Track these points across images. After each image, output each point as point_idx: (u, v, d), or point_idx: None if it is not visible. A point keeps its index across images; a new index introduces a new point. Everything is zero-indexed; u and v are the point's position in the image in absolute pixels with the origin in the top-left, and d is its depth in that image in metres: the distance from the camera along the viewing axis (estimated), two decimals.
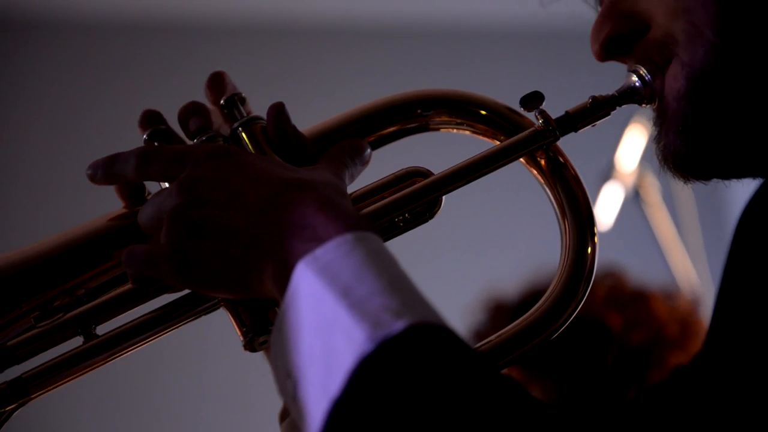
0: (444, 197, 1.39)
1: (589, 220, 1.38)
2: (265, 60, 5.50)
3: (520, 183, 2.29)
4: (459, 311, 2.46)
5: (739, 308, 1.05)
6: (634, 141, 3.62)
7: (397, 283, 1.14)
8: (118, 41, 5.41)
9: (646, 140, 3.60)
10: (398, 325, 1.09)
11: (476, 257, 5.40)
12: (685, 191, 3.68)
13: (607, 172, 3.62)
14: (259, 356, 1.39)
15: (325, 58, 5.56)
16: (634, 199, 3.68)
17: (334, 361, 1.10)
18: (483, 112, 1.43)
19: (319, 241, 1.17)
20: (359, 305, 1.11)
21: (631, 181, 3.66)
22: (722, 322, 1.07)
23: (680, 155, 1.33)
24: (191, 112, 1.37)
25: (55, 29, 5.42)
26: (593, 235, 1.38)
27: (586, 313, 2.63)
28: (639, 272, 2.77)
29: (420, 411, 1.04)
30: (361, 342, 1.09)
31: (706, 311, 2.59)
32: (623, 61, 1.39)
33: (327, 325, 1.13)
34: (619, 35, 1.36)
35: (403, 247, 1.40)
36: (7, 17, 5.34)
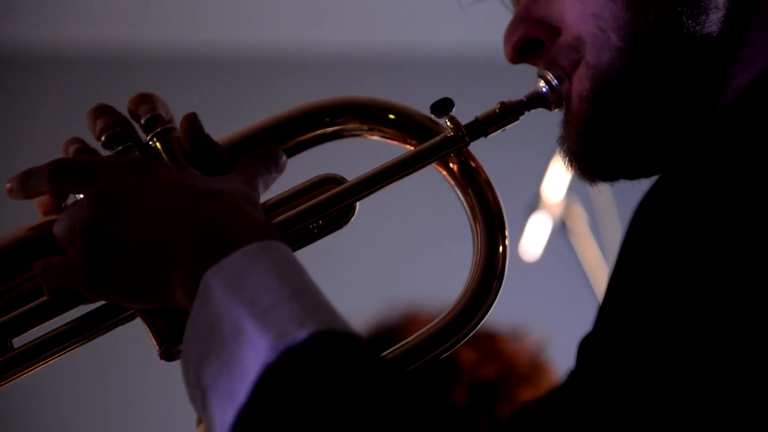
0: (358, 204, 1.41)
1: (499, 221, 1.41)
2: (238, 91, 5.56)
3: (436, 193, 2.30)
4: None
5: (624, 308, 1.08)
6: (560, 171, 3.65)
7: (302, 292, 1.17)
8: (96, 77, 5.46)
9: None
10: (302, 333, 1.12)
11: (390, 268, 5.43)
12: (612, 221, 3.73)
13: (534, 202, 3.65)
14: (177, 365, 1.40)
15: (281, 89, 5.61)
16: (561, 229, 3.70)
17: (240, 370, 1.13)
18: (391, 116, 1.45)
19: (226, 250, 1.20)
20: (264, 315, 1.14)
21: (558, 211, 3.68)
22: (606, 322, 1.10)
23: (582, 156, 1.36)
24: (97, 113, 1.39)
25: (37, 65, 5.49)
26: (504, 236, 1.41)
27: None
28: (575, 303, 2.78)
29: (320, 418, 1.07)
30: (265, 351, 1.12)
31: (552, 352, 2.62)
32: (535, 64, 1.42)
33: (233, 336, 1.15)
34: (530, 39, 1.40)
35: (317, 257, 1.42)
36: None
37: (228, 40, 5.64)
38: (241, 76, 5.66)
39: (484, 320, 1.38)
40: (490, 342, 2.57)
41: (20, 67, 5.53)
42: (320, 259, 1.26)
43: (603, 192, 3.70)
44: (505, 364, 2.53)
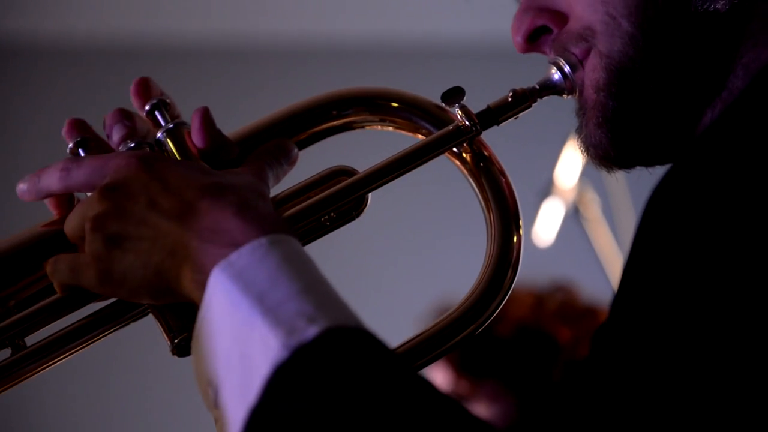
0: (370, 195, 1.40)
1: (513, 210, 1.39)
2: (237, 81, 5.57)
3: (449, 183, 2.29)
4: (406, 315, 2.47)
5: (639, 295, 1.07)
6: (573, 157, 3.64)
7: (312, 287, 1.15)
8: (103, 69, 5.48)
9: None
10: (312, 330, 1.10)
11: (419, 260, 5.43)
12: (625, 207, 3.72)
13: (547, 188, 3.64)
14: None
15: (285, 79, 5.61)
16: (575, 215, 3.69)
17: (250, 368, 1.12)
18: (399, 106, 1.43)
19: (234, 245, 1.18)
20: (274, 311, 1.13)
21: (571, 197, 3.67)
22: (620, 314, 1.08)
23: (601, 146, 1.34)
24: (115, 120, 1.37)
25: (45, 57, 5.53)
26: (518, 226, 1.39)
27: (536, 325, 2.64)
28: (589, 288, 2.78)
29: (333, 416, 1.05)
30: (276, 349, 1.10)
31: None
32: (545, 53, 1.40)
33: (243, 332, 1.14)
34: (539, 28, 1.38)
35: (331, 249, 1.41)
36: None
37: (237, 30, 5.64)
38: (250, 67, 5.66)
39: (496, 312, 1.36)
40: (591, 318, 2.55)
41: (28, 58, 5.54)
42: (334, 251, 1.25)
43: (617, 178, 3.69)
44: None
